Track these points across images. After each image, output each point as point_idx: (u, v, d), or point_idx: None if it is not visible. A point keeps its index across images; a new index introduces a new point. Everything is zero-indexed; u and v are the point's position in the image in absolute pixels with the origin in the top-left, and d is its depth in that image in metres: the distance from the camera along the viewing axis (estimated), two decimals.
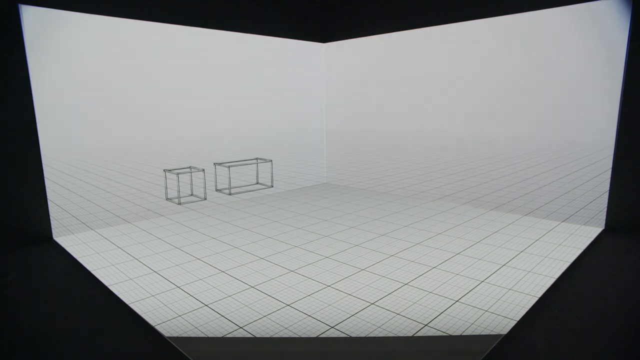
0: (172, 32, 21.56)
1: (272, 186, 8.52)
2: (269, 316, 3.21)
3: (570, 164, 11.26)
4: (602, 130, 18.18)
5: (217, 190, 8.23)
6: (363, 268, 4.13)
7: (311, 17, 6.98)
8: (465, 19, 6.20)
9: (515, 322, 3.05)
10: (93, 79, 19.99)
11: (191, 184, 7.77)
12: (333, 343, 2.84)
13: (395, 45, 24.85)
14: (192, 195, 7.74)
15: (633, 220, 4.95)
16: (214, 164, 8.35)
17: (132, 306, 3.35)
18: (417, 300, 3.43)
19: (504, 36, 21.49)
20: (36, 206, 4.79)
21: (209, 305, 3.38)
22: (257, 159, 8.70)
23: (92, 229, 5.61)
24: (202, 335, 2.95)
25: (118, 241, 5.05)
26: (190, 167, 7.55)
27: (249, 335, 2.94)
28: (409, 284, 3.75)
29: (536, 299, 3.40)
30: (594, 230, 5.20)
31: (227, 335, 2.94)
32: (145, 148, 16.40)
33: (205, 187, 7.49)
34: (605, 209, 5.52)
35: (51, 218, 5.81)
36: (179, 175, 8.99)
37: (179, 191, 7.15)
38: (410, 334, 2.93)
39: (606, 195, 7.16)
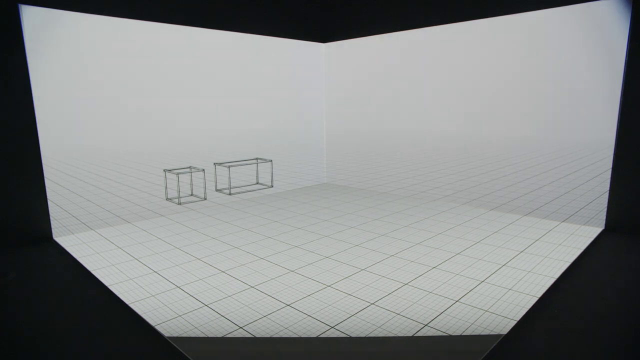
0: (173, 32, 21.56)
1: (272, 186, 8.52)
2: (269, 316, 3.21)
3: (570, 164, 11.25)
4: (602, 130, 18.19)
5: (217, 190, 8.23)
6: (363, 268, 4.13)
7: (311, 17, 6.98)
8: (465, 19, 6.21)
9: (515, 322, 3.05)
10: (93, 79, 20.01)
11: (191, 184, 7.77)
12: (333, 343, 2.84)
13: (396, 45, 24.86)
14: (192, 195, 7.74)
15: (633, 220, 4.95)
16: (214, 164, 8.35)
17: (132, 306, 3.35)
18: (417, 300, 3.43)
19: (504, 36, 21.49)
20: (36, 206, 4.80)
21: (209, 305, 3.38)
22: (257, 159, 8.70)
23: (92, 229, 5.61)
24: (202, 335, 2.95)
25: (118, 241, 5.05)
26: (190, 167, 7.55)
27: (249, 335, 2.94)
28: (409, 284, 3.76)
29: (536, 299, 3.40)
30: (594, 230, 5.20)
31: (227, 335, 2.95)
32: (145, 148, 16.40)
33: (205, 187, 7.50)
34: (605, 209, 5.52)
35: (51, 218, 5.81)
36: (179, 175, 8.99)
37: (179, 191, 7.15)
38: (410, 334, 2.93)
39: (606, 195, 7.16)
